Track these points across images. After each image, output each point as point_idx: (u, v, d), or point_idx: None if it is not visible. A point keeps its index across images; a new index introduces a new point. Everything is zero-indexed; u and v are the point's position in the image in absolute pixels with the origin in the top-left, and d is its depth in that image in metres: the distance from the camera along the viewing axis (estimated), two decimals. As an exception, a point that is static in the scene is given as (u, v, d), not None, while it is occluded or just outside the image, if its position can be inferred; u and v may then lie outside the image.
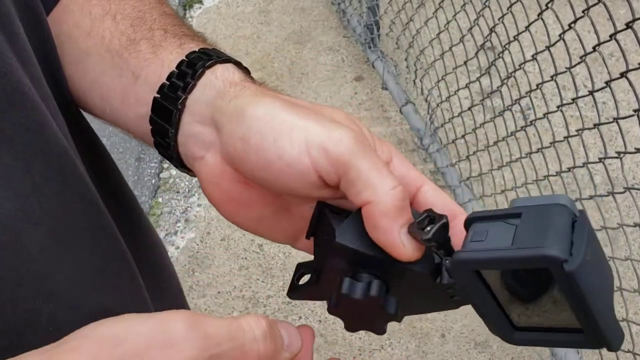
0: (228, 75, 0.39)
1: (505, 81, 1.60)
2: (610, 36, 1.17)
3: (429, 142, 1.86)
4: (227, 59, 0.40)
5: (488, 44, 1.73)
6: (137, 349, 0.27)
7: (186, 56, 0.40)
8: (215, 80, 0.38)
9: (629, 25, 1.13)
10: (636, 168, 1.26)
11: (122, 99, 0.42)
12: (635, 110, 1.15)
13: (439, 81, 1.89)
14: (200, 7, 2.99)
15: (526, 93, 1.55)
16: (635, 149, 1.19)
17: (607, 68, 1.25)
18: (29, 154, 0.34)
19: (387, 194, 0.33)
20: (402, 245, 0.33)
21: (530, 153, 1.62)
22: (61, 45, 0.44)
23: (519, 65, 1.54)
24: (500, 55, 1.58)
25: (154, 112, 0.39)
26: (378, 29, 2.39)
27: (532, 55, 1.47)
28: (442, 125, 1.85)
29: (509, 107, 1.62)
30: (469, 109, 1.79)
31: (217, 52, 0.41)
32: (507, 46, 1.59)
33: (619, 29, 1.14)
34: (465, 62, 1.78)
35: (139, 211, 0.52)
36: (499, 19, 1.59)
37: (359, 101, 2.38)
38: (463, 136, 1.81)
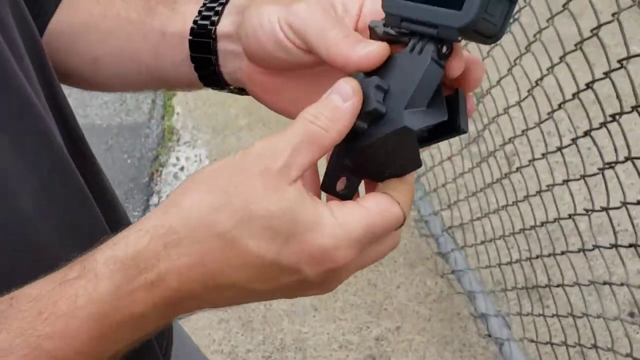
0: None
1: (487, 126, 1.57)
2: (587, 85, 1.14)
3: (413, 189, 1.81)
4: None
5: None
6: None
7: (203, 2, 0.49)
8: (234, 3, 0.47)
9: (607, 75, 1.11)
10: (621, 215, 1.21)
11: (155, 55, 0.51)
12: (609, 163, 1.11)
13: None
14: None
15: (509, 139, 1.52)
16: (621, 202, 1.15)
17: (588, 116, 1.21)
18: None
19: (339, 39, 0.39)
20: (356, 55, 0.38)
21: (516, 201, 1.57)
22: (78, 34, 0.53)
23: (504, 110, 1.51)
24: (481, 100, 1.55)
25: (193, 51, 0.48)
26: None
27: (517, 101, 1.44)
28: (425, 173, 1.81)
29: (492, 153, 1.59)
30: (453, 155, 1.75)
31: None
32: (489, 91, 1.57)
33: (609, 68, 1.11)
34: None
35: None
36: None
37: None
38: (444, 185, 1.77)
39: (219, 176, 0.34)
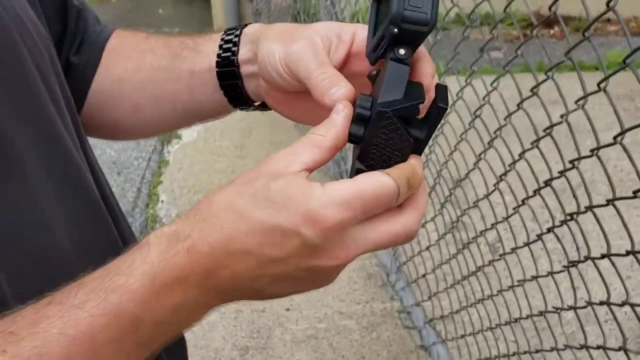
0: (252, 27, 0.59)
1: (466, 211, 1.53)
2: (560, 173, 1.12)
3: (395, 279, 1.75)
4: (245, 24, 0.60)
5: (447, 175, 1.68)
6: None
7: (221, 38, 0.60)
8: (246, 33, 0.58)
9: (573, 164, 1.08)
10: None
11: (187, 92, 0.61)
12: (585, 257, 1.07)
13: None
14: (178, 143, 3.01)
15: (491, 225, 1.47)
16: (601, 302, 1.09)
17: (561, 205, 1.17)
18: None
19: (319, 82, 0.48)
20: (331, 95, 0.47)
21: (501, 290, 1.51)
22: (116, 88, 0.63)
23: (484, 196, 1.47)
24: (459, 183, 1.51)
25: (221, 80, 0.59)
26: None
27: (494, 185, 1.40)
28: (405, 263, 1.75)
29: (474, 239, 1.54)
30: (437, 241, 1.70)
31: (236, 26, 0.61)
32: (467, 175, 1.54)
33: (582, 156, 1.08)
34: (429, 194, 1.72)
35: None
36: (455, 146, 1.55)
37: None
38: (424, 275, 1.71)
39: (238, 179, 0.44)
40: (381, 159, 0.43)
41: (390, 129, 0.42)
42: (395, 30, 0.42)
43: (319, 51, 0.50)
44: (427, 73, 0.46)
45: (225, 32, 0.60)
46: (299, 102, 0.56)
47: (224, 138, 3.00)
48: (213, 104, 0.62)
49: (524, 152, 1.22)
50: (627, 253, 0.94)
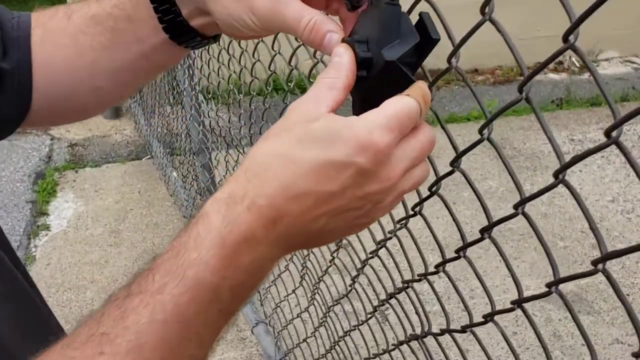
0: None
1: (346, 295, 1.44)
2: (390, 232, 1.04)
3: (281, 369, 1.62)
4: None
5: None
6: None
7: (154, 7, 0.58)
8: None
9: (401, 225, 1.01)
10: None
11: (142, 59, 0.61)
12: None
13: (280, 302, 1.70)
14: (46, 235, 2.76)
15: (377, 307, 1.39)
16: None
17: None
18: None
19: (307, 35, 0.51)
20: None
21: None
22: (66, 78, 0.62)
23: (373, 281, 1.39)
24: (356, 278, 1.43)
25: (173, 38, 0.59)
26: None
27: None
28: (286, 355, 1.63)
29: (357, 326, 1.45)
30: (312, 334, 1.59)
31: None
32: (365, 262, 1.46)
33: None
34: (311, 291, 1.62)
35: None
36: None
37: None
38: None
39: (271, 132, 0.46)
40: (386, 96, 0.47)
41: (396, 72, 0.47)
42: None
43: None
44: None
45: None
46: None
47: (96, 225, 2.79)
48: (172, 58, 0.64)
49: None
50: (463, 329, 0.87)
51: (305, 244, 0.47)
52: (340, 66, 0.47)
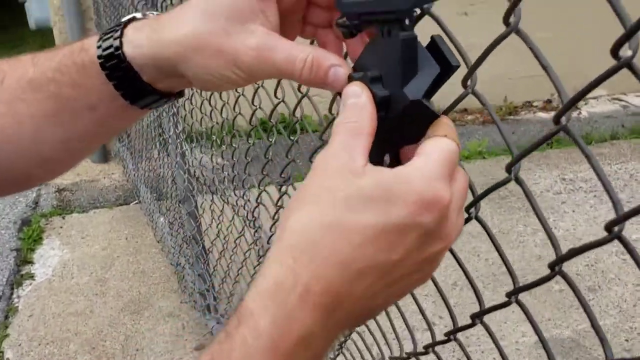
0: (139, 53, 0.51)
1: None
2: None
3: None
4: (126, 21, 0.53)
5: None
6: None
7: (103, 70, 0.51)
8: (139, 61, 0.51)
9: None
10: None
11: (94, 124, 0.55)
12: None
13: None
14: (30, 284, 2.69)
15: None
16: None
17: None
18: None
19: (303, 77, 0.47)
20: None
21: None
22: (4, 151, 0.55)
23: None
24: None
25: (129, 101, 0.53)
26: (214, 297, 2.17)
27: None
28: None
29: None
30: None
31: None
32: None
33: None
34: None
35: None
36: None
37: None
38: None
39: (301, 196, 0.40)
40: (408, 132, 0.44)
41: (418, 108, 0.43)
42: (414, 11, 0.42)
43: (269, 44, 0.46)
44: None
45: (101, 59, 0.51)
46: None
47: (82, 273, 2.72)
48: (132, 120, 0.58)
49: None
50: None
51: (360, 322, 0.41)
52: (361, 108, 0.42)
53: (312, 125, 3.16)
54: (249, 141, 1.24)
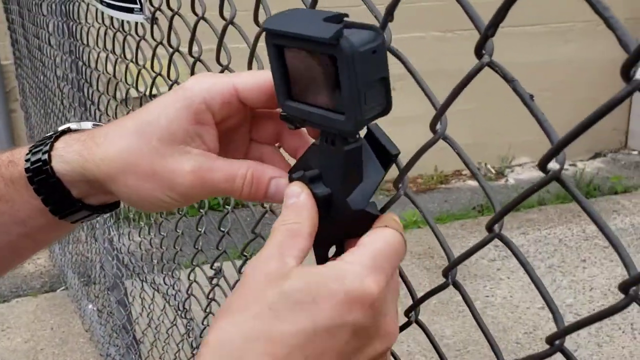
0: (74, 178, 0.49)
1: None
2: None
3: None
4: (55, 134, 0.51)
5: None
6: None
7: (34, 189, 0.50)
8: (72, 181, 0.49)
9: None
10: None
11: (25, 238, 0.53)
12: None
13: None
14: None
15: None
16: None
17: None
18: None
19: (244, 194, 0.46)
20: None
21: None
22: None
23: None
24: None
25: (58, 216, 0.51)
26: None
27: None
28: None
29: None
30: None
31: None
32: None
33: None
34: None
35: None
36: None
37: None
38: None
39: (230, 306, 0.37)
40: (349, 230, 0.43)
41: (362, 215, 0.42)
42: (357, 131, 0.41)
43: (206, 165, 0.45)
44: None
45: (29, 173, 0.49)
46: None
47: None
48: (64, 232, 0.57)
49: None
50: None
51: None
52: (300, 208, 0.41)
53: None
54: (179, 212, 1.20)
